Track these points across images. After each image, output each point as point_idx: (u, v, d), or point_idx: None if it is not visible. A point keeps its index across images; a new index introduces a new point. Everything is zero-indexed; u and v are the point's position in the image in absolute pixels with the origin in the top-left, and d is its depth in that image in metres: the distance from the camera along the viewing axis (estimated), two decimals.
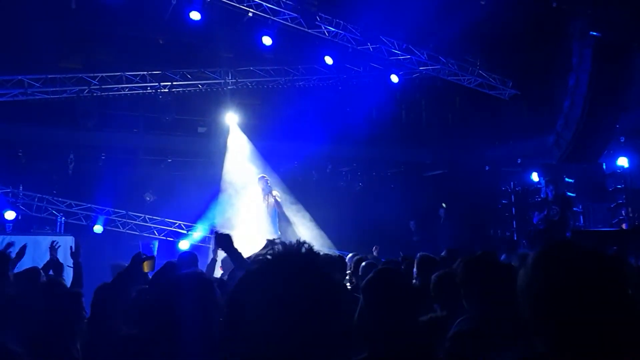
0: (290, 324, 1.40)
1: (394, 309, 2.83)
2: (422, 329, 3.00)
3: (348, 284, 6.54)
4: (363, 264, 6.17)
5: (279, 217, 12.73)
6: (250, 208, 13.05)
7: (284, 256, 1.50)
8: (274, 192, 12.77)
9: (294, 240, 1.56)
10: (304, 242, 1.55)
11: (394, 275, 3.07)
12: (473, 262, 3.43)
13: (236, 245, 4.16)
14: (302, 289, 1.44)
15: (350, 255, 8.20)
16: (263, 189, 12.69)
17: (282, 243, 1.53)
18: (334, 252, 11.40)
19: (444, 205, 15.92)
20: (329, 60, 14.58)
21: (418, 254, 5.71)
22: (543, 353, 1.67)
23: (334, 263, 5.60)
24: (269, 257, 1.50)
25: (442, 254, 6.94)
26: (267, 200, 12.55)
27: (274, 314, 1.40)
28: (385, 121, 18.41)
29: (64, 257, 12.38)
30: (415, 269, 5.52)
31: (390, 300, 2.87)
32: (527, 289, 1.72)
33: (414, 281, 5.32)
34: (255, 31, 13.51)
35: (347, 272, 7.02)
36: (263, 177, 13.03)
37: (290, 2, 13.08)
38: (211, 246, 10.58)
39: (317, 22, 13.37)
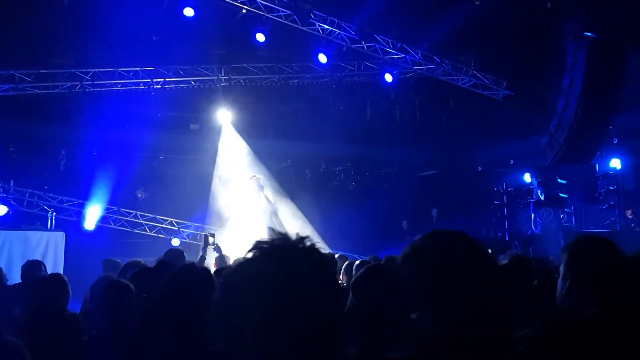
0: (283, 315, 1.36)
1: (382, 306, 2.80)
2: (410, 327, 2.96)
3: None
4: (357, 262, 6.15)
5: (271, 216, 12.73)
6: (241, 207, 13.05)
7: (283, 246, 1.46)
8: (266, 192, 12.78)
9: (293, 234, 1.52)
10: (306, 236, 1.50)
11: (382, 273, 3.03)
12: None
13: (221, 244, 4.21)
14: (299, 281, 1.40)
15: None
16: (255, 189, 12.69)
17: (282, 234, 1.48)
18: (329, 251, 11.36)
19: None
20: (323, 58, 14.52)
21: None
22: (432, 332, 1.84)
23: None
24: (267, 246, 1.45)
25: None
26: (259, 200, 12.57)
27: (267, 303, 1.37)
28: (379, 120, 18.40)
29: (54, 254, 12.42)
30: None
31: (378, 297, 2.83)
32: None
33: None
34: (249, 28, 13.46)
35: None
36: (255, 176, 13.05)
37: None
38: (201, 244, 10.56)
39: (311, 20, 13.30)
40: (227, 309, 1.42)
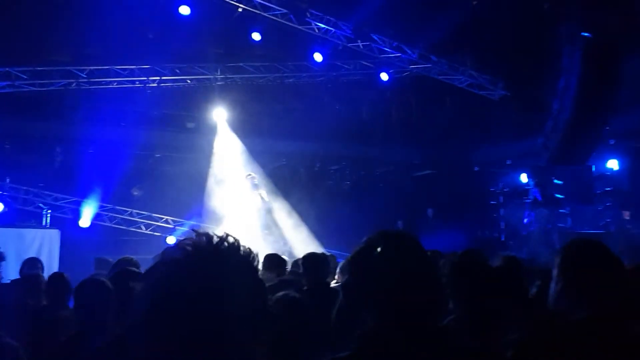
0: (202, 322, 1.31)
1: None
2: None
3: (333, 283, 6.49)
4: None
5: (264, 216, 12.73)
6: (237, 206, 13.05)
7: (204, 248, 1.40)
8: (260, 191, 12.79)
9: (234, 234, 1.47)
10: (228, 236, 1.44)
11: None
12: (460, 263, 3.42)
13: None
14: (217, 280, 1.35)
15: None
16: (250, 188, 12.70)
17: (206, 234, 1.43)
18: (324, 251, 11.35)
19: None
20: (318, 57, 14.49)
21: None
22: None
23: (322, 261, 5.58)
24: (188, 247, 1.39)
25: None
26: (254, 199, 12.58)
27: (184, 305, 1.31)
28: (375, 120, 18.39)
29: (49, 252, 12.39)
30: None
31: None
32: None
33: None
34: (245, 27, 13.43)
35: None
36: (250, 175, 13.05)
37: None
38: None
39: (307, 19, 13.29)
40: (145, 313, 1.36)
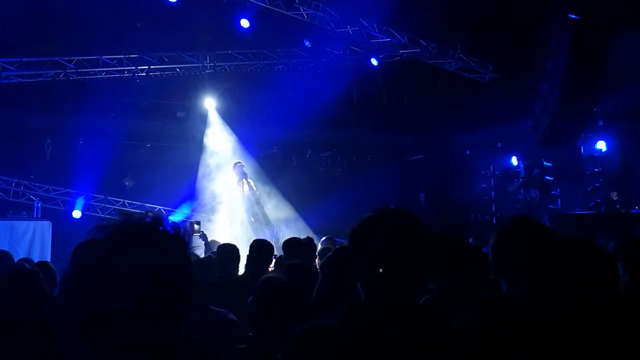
0: (127, 300, 1.33)
1: (348, 284, 2.83)
2: None
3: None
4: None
5: (252, 203, 12.73)
6: (226, 194, 13.05)
7: (129, 228, 1.43)
8: (249, 179, 12.77)
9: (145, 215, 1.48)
10: (149, 213, 1.47)
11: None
12: (440, 243, 3.45)
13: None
14: (142, 262, 1.37)
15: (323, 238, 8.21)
16: (238, 175, 12.68)
17: (129, 214, 1.47)
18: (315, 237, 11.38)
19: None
20: (308, 43, 14.46)
21: None
22: None
23: (303, 246, 5.63)
24: (114, 227, 1.42)
25: None
26: (242, 187, 12.56)
27: (108, 288, 1.34)
28: (366, 105, 18.37)
29: (41, 243, 12.39)
30: None
31: (344, 277, 2.86)
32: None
33: None
34: (234, 14, 13.36)
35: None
36: (238, 162, 13.03)
37: None
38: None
39: (295, 4, 13.23)
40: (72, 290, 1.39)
